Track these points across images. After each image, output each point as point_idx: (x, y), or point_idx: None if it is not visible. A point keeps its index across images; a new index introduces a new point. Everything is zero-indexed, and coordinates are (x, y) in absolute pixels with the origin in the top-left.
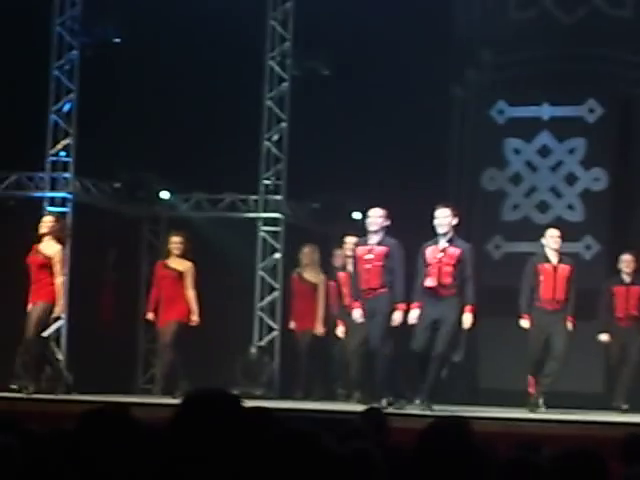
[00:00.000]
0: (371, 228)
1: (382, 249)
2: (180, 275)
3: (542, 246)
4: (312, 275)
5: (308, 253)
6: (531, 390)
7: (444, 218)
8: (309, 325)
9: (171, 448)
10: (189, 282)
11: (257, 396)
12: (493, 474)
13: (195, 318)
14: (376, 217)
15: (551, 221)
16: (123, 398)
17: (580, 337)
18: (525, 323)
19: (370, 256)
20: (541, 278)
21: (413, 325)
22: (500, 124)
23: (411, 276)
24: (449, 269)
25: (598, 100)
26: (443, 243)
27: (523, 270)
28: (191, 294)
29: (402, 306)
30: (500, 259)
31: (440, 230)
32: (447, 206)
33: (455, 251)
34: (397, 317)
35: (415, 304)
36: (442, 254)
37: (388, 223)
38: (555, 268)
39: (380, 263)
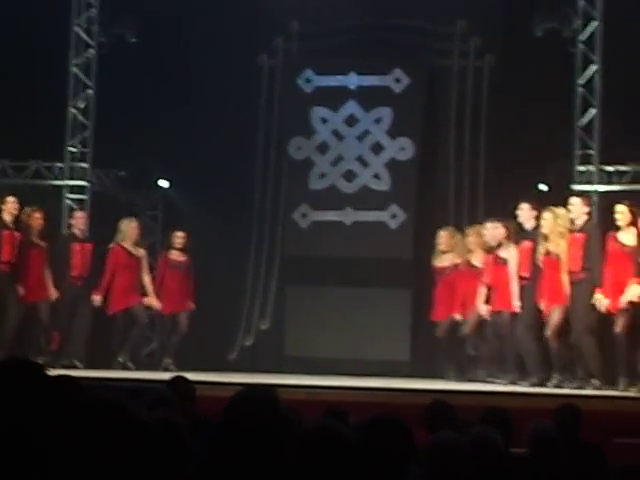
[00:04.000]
0: None
1: None
2: None
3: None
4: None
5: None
6: None
7: None
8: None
9: None
10: None
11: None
12: (299, 442)
13: None
14: None
15: (358, 190)
16: None
17: (386, 305)
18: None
19: None
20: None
21: None
22: (307, 93)
23: None
24: None
25: (404, 70)
26: None
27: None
28: None
29: None
30: (307, 228)
31: None
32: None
33: None
34: None
35: None
36: None
37: None
38: None
39: None
